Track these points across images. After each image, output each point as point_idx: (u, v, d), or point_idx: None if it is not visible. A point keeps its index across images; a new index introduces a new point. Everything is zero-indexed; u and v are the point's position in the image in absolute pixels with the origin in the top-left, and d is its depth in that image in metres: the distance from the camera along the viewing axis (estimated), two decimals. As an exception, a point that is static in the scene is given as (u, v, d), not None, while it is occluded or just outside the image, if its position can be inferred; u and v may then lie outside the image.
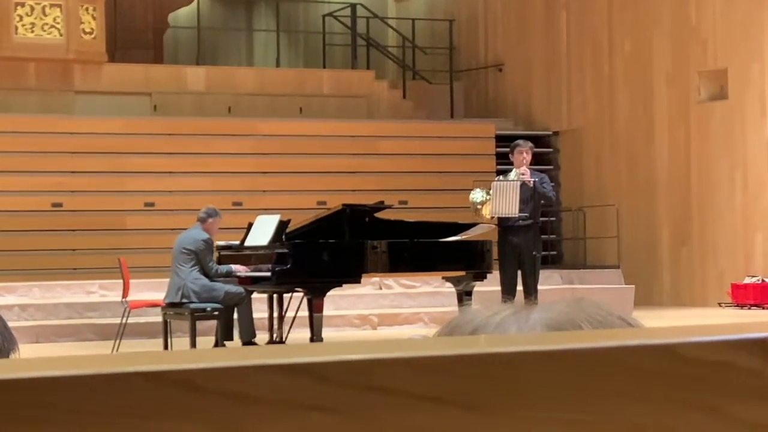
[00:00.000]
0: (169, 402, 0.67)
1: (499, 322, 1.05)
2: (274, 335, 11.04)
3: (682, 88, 16.42)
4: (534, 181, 10.80)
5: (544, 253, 13.82)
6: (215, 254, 11.01)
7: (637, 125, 17.05)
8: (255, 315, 11.09)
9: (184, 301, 10.66)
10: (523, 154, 10.93)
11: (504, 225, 10.85)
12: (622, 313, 1.06)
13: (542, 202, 11.16)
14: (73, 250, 15.63)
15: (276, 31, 20.18)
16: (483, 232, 10.90)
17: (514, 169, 11.02)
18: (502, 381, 0.71)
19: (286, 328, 11.01)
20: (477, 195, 10.71)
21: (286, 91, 17.96)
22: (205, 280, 10.66)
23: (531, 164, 11.21)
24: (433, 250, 10.58)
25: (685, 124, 16.40)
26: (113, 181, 15.85)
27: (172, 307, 10.78)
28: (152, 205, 15.98)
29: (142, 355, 0.70)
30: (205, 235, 10.81)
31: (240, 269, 10.66)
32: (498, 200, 10.62)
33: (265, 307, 11.19)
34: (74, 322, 13.29)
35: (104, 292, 14.19)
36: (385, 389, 0.69)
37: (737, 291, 15.36)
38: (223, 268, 10.73)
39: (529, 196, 10.76)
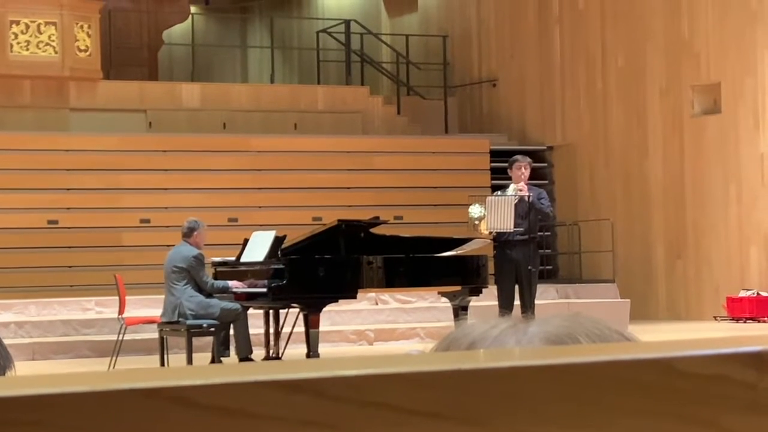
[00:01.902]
0: (165, 419, 0.67)
1: (497, 335, 1.05)
2: (271, 351, 11.02)
3: (675, 102, 16.45)
4: (530, 196, 10.80)
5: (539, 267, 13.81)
6: (212, 270, 10.97)
7: (631, 139, 17.08)
8: (251, 331, 11.07)
9: (181, 320, 10.63)
10: (522, 169, 10.93)
11: (501, 240, 10.85)
12: (619, 328, 1.06)
13: (539, 217, 11.17)
14: (69, 266, 15.61)
15: (270, 48, 20.20)
16: (479, 246, 10.90)
17: (511, 185, 11.02)
18: (499, 396, 0.72)
19: (282, 343, 11.00)
20: (475, 210, 10.71)
21: (281, 107, 17.97)
22: (200, 297, 10.62)
23: (527, 179, 11.22)
24: (429, 265, 10.57)
25: (678, 138, 16.42)
26: (109, 197, 15.85)
27: (168, 323, 10.76)
28: (148, 221, 15.98)
29: (139, 371, 0.70)
30: (195, 251, 10.73)
31: (237, 285, 10.61)
32: (493, 216, 10.62)
33: (261, 322, 11.17)
34: (70, 339, 13.27)
35: (100, 308, 14.17)
36: (382, 405, 0.69)
37: (732, 304, 15.36)
38: (220, 283, 10.68)
39: (526, 211, 10.77)
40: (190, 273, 10.62)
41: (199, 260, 10.67)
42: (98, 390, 0.66)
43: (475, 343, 1.05)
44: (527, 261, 10.78)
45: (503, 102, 19.03)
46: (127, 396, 0.66)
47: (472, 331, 1.06)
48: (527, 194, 10.77)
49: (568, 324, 1.04)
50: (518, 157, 11.20)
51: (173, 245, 11.21)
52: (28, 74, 16.56)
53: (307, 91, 18.59)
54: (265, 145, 16.79)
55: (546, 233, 17.50)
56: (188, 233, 10.86)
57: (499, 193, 11.28)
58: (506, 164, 11.35)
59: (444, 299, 11.21)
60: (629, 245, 16.90)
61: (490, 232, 10.74)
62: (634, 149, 17.03)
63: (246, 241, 10.98)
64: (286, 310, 10.87)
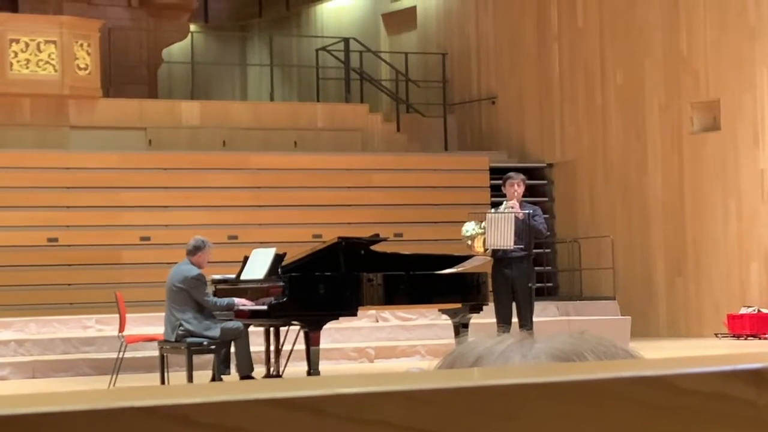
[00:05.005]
0: (166, 437, 0.67)
1: (503, 350, 1.05)
2: (271, 369, 11.01)
3: (674, 118, 16.47)
4: (527, 214, 10.77)
5: (539, 284, 13.79)
6: (212, 287, 10.92)
7: (630, 156, 17.09)
8: (252, 348, 11.04)
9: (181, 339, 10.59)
10: (515, 186, 10.90)
11: (497, 257, 10.82)
12: (624, 345, 1.06)
13: (534, 234, 11.13)
14: (69, 284, 15.60)
15: (270, 66, 20.23)
16: (479, 264, 10.88)
17: (504, 202, 11.00)
18: (500, 414, 0.71)
19: (282, 361, 10.98)
20: (468, 228, 10.68)
21: (281, 125, 17.99)
22: (200, 318, 10.57)
23: (524, 196, 11.19)
24: (429, 282, 10.56)
25: (678, 155, 16.43)
26: (109, 215, 15.85)
27: (168, 341, 10.73)
28: (148, 239, 15.98)
29: (139, 389, 0.70)
30: (195, 271, 10.63)
31: (243, 302, 10.49)
32: (493, 232, 10.59)
33: (262, 340, 11.16)
34: (71, 357, 13.26)
35: (101, 326, 14.16)
36: (383, 423, 0.69)
37: (733, 321, 15.34)
38: (224, 300, 10.59)
39: (522, 228, 10.74)
40: (191, 294, 10.56)
41: (198, 280, 10.57)
42: (98, 408, 0.66)
43: (481, 358, 1.04)
44: (524, 278, 10.76)
45: (503, 119, 19.04)
46: (127, 414, 0.66)
47: (477, 347, 1.06)
48: (519, 213, 10.71)
49: (574, 341, 1.04)
50: (512, 174, 11.16)
51: (173, 263, 11.18)
52: (28, 92, 16.58)
53: (306, 108, 18.61)
54: (265, 163, 16.80)
55: (546, 250, 17.51)
56: (192, 251, 10.77)
57: (492, 210, 11.26)
58: (506, 182, 11.32)
59: (444, 316, 11.20)
60: (629, 262, 16.89)
61: (486, 250, 10.70)
62: (633, 166, 17.04)
63: (246, 258, 10.96)
64: (286, 328, 10.86)
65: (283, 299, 10.06)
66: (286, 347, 10.94)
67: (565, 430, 0.73)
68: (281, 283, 10.16)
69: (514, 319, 10.76)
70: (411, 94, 19.73)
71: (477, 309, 10.69)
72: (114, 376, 11.15)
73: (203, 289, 10.57)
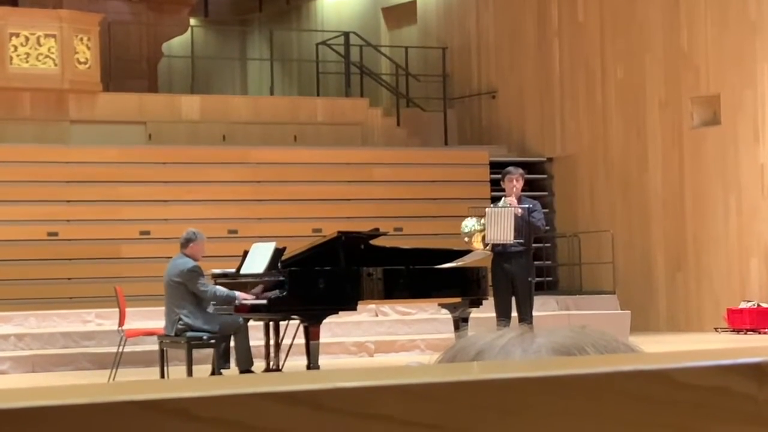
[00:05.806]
0: (165, 431, 0.67)
1: (504, 344, 1.05)
2: (271, 363, 11.01)
3: (675, 114, 16.46)
4: (526, 208, 10.76)
5: (539, 279, 13.80)
6: (212, 282, 10.91)
7: (630, 151, 17.09)
8: (251, 342, 11.04)
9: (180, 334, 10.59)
10: (513, 181, 10.90)
11: (496, 251, 10.83)
12: (626, 340, 1.06)
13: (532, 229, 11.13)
14: (69, 279, 15.60)
15: (270, 60, 20.22)
16: (479, 258, 10.88)
17: (503, 198, 11.01)
18: (500, 408, 0.71)
19: (282, 355, 10.99)
20: (468, 224, 10.67)
21: (281, 119, 17.98)
22: (200, 313, 10.56)
23: (524, 191, 11.19)
24: (429, 276, 10.57)
25: (678, 150, 16.43)
26: (108, 209, 15.85)
27: (168, 335, 10.74)
28: (147, 233, 15.98)
29: (138, 384, 0.70)
30: (190, 263, 10.62)
31: (245, 297, 10.46)
32: (493, 227, 10.60)
33: (262, 334, 11.16)
34: (70, 351, 13.26)
35: (100, 320, 14.16)
36: (382, 417, 0.69)
37: (733, 316, 15.35)
38: (223, 291, 10.55)
39: (522, 223, 10.75)
40: (187, 286, 10.55)
41: (193, 272, 10.55)
42: (98, 402, 0.66)
43: (482, 352, 1.04)
44: (523, 272, 10.76)
45: (503, 114, 19.04)
46: (126, 408, 0.66)
47: (478, 341, 1.06)
48: (517, 209, 10.70)
49: (575, 335, 1.04)
50: (510, 168, 11.17)
51: (173, 257, 11.17)
52: (28, 87, 16.58)
53: (306, 103, 18.60)
54: (265, 157, 16.80)
55: (546, 244, 17.52)
56: (184, 244, 10.80)
57: (492, 206, 11.26)
58: (506, 176, 11.32)
59: (444, 311, 11.20)
60: (629, 257, 16.89)
61: (486, 245, 10.70)
62: (633, 161, 17.04)
63: (246, 252, 10.95)
64: (286, 322, 10.86)
65: (282, 293, 10.06)
66: (286, 341, 10.95)
67: (565, 424, 0.73)
68: (281, 278, 10.16)
69: (514, 314, 10.77)
70: (411, 89, 19.73)
71: (477, 303, 10.69)
72: (114, 370, 11.15)
73: (200, 279, 10.56)
